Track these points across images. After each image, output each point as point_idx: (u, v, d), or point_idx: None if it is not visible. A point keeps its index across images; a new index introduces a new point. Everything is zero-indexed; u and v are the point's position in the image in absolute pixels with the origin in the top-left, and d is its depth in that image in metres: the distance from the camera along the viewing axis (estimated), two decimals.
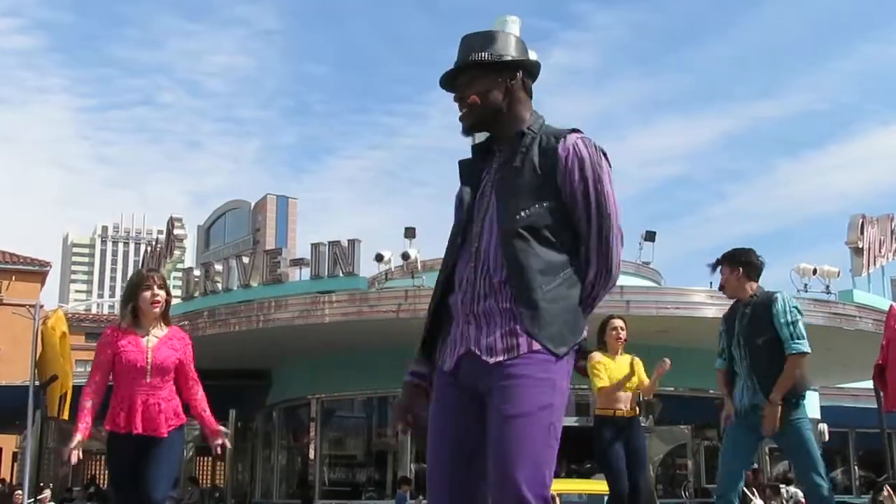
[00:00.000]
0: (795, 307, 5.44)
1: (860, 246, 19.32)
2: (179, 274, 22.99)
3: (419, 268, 17.04)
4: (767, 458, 19.88)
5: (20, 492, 15.45)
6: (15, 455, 29.64)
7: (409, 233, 17.72)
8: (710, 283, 16.56)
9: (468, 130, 2.84)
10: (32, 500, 15.09)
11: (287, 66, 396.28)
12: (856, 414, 23.04)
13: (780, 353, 5.29)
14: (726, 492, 5.30)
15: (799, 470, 5.50)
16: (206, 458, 30.46)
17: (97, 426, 5.02)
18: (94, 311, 54.02)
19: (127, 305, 5.07)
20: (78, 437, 4.88)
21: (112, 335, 5.00)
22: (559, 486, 8.79)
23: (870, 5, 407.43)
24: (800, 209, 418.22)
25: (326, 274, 18.07)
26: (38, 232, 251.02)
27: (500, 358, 2.61)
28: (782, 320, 5.32)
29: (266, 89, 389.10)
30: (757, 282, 5.60)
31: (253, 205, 42.90)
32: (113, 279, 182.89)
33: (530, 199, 2.66)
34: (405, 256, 17.54)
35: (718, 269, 5.66)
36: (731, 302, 5.72)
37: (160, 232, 28.21)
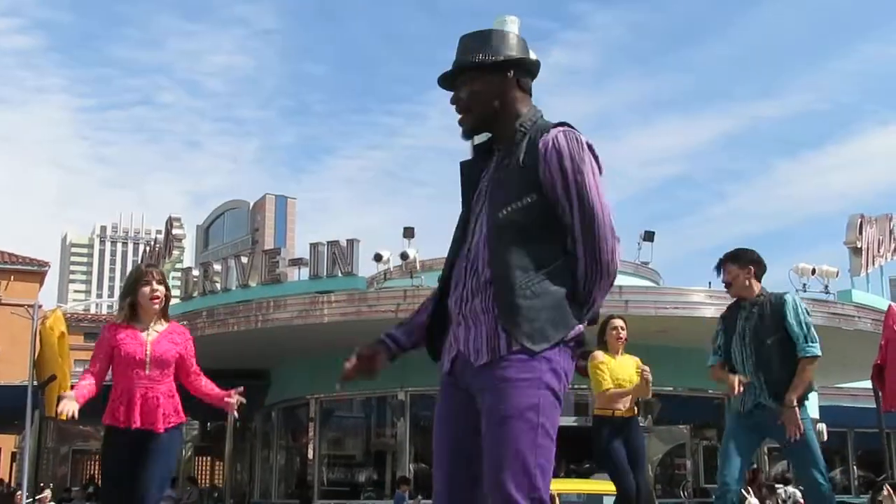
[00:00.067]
0: (805, 309, 5.49)
1: (859, 246, 19.34)
2: (178, 274, 22.99)
3: (418, 268, 17.04)
4: (766, 457, 19.88)
5: (21, 492, 15.45)
6: (14, 455, 29.64)
7: (408, 233, 17.73)
8: (709, 282, 16.60)
9: (467, 134, 2.84)
10: (32, 500, 15.08)
11: (286, 66, 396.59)
12: (854, 414, 23.06)
13: (790, 354, 5.30)
14: (726, 491, 5.27)
15: (800, 468, 5.49)
16: (204, 458, 30.48)
17: (95, 425, 5.01)
18: (92, 310, 54.08)
19: (125, 300, 5.04)
20: (71, 393, 4.79)
21: (110, 331, 4.98)
22: (558, 485, 8.79)
23: (870, 5, 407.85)
24: (799, 209, 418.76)
25: (325, 274, 18.08)
26: (37, 232, 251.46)
27: (484, 360, 2.61)
28: (795, 321, 5.35)
29: (265, 89, 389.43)
30: (760, 282, 5.61)
31: (252, 205, 42.97)
32: (112, 279, 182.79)
33: (515, 196, 2.65)
34: (404, 256, 17.55)
35: (722, 268, 5.64)
36: (729, 301, 5.72)
37: (159, 232, 28.25)
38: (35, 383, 12.10)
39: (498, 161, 2.75)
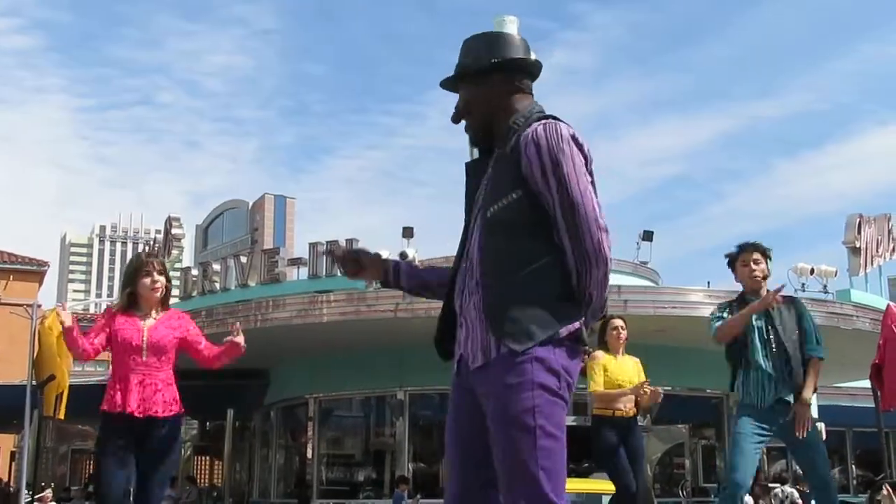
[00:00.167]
0: None
1: (857, 246, 19.38)
2: (177, 273, 22.99)
3: None
4: (765, 457, 19.89)
5: (27, 491, 15.46)
6: (13, 455, 29.62)
7: (407, 232, 17.75)
8: (708, 282, 16.64)
9: (474, 142, 2.84)
10: (31, 499, 15.08)
11: (285, 66, 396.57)
12: (853, 413, 23.05)
13: (804, 353, 5.39)
14: (738, 491, 5.20)
15: (811, 467, 5.45)
16: (203, 458, 30.48)
17: (94, 425, 4.94)
18: (91, 310, 53.99)
19: (125, 291, 4.99)
20: (68, 312, 4.80)
21: (109, 314, 4.94)
22: None
23: (869, 5, 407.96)
24: (798, 209, 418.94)
25: (324, 273, 18.10)
26: (36, 232, 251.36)
27: (479, 363, 2.60)
28: (810, 322, 5.48)
29: (264, 89, 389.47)
30: None
31: (251, 204, 42.92)
32: (111, 279, 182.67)
33: (503, 193, 2.62)
34: (403, 256, 17.53)
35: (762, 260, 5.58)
36: (729, 300, 5.70)
37: (158, 231, 28.27)
38: (34, 383, 12.07)
39: (493, 160, 2.74)
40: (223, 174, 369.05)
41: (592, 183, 2.63)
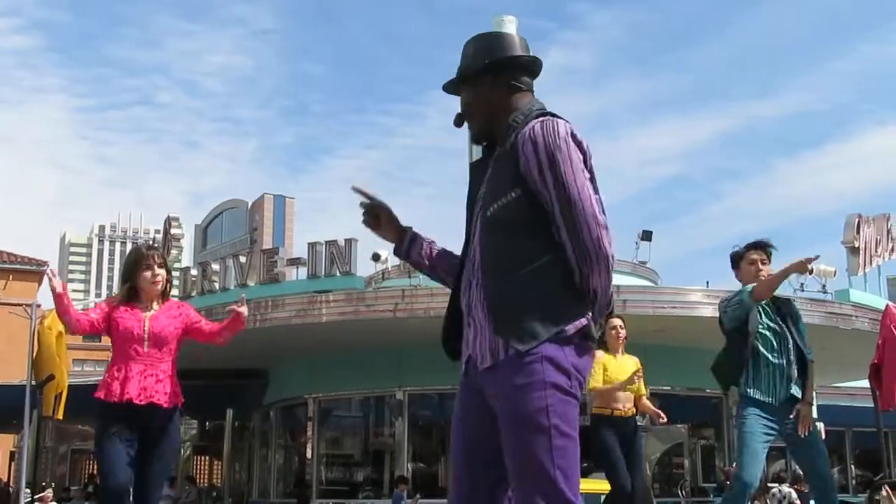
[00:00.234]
0: None
1: (856, 245, 19.37)
2: (176, 273, 22.99)
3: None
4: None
5: (27, 491, 15.47)
6: (12, 454, 29.62)
7: None
8: (707, 282, 16.63)
9: (475, 140, 2.86)
10: (31, 499, 15.09)
11: (284, 66, 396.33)
12: (852, 413, 23.06)
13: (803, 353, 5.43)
14: (748, 490, 5.18)
15: (812, 466, 5.44)
16: (203, 458, 30.49)
17: (93, 425, 4.88)
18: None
19: (125, 285, 4.96)
20: (59, 279, 4.79)
21: (109, 304, 4.93)
22: None
23: (869, 5, 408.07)
24: (797, 209, 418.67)
25: (323, 273, 18.08)
26: (36, 231, 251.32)
27: (488, 364, 2.59)
28: (804, 326, 5.50)
29: (264, 89, 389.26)
30: None
31: (250, 204, 42.92)
32: (110, 279, 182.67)
33: (502, 192, 2.61)
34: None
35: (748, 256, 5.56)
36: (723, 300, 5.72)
37: (157, 231, 28.25)
38: (33, 383, 12.08)
39: (494, 158, 2.74)
40: (222, 174, 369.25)
41: (592, 180, 2.61)
